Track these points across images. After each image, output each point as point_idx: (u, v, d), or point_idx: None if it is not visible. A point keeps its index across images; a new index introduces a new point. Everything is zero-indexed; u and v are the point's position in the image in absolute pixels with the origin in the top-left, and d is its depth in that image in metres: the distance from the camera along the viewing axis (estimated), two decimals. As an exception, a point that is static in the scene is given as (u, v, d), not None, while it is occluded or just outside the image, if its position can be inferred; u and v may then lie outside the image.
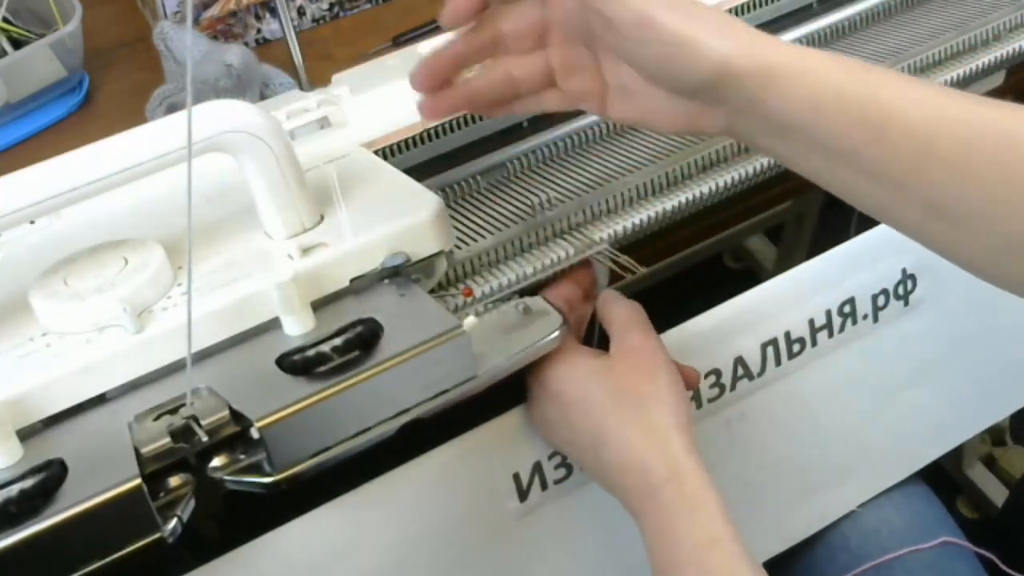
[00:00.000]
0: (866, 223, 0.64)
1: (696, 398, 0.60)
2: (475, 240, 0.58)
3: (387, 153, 0.64)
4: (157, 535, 0.42)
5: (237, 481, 0.45)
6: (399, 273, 0.51)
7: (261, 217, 0.52)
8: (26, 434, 0.45)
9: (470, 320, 0.49)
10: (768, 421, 0.64)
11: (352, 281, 0.50)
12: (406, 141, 0.65)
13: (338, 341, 0.46)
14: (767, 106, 0.44)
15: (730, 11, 0.72)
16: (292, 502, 0.51)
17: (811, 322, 0.63)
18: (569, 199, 0.61)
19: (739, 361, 0.61)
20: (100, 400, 0.47)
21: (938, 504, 0.76)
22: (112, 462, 0.43)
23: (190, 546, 0.50)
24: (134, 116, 0.86)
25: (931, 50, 0.69)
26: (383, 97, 0.64)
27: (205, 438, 0.44)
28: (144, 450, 0.43)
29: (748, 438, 0.64)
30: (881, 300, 0.65)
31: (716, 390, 0.61)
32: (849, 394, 0.68)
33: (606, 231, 0.58)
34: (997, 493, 1.18)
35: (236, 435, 0.45)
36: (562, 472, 0.57)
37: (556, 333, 0.52)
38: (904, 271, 0.65)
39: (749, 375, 0.62)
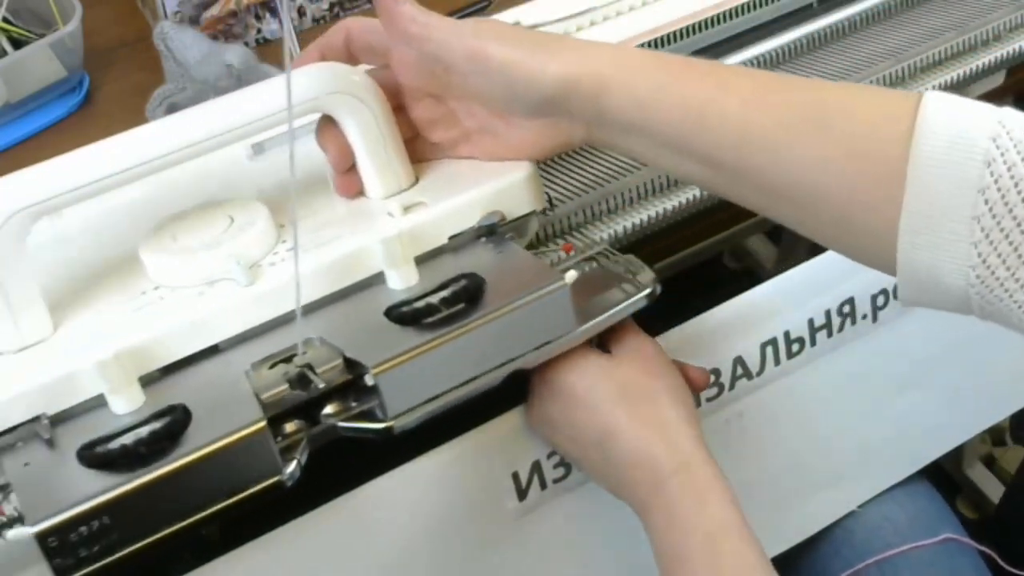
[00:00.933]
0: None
1: (695, 398, 0.60)
2: (475, 240, 0.58)
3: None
4: (277, 478, 0.44)
5: (350, 428, 0.46)
6: (494, 232, 0.53)
7: (361, 176, 0.54)
8: (145, 382, 0.46)
9: (571, 274, 0.50)
10: (767, 421, 0.64)
11: (451, 239, 0.52)
12: (406, 141, 0.65)
13: (445, 293, 0.48)
14: (604, 110, 0.48)
15: (731, 12, 0.72)
16: (291, 502, 0.51)
17: (810, 322, 0.63)
18: (569, 199, 0.61)
19: (738, 361, 0.61)
20: (213, 351, 0.48)
21: (940, 501, 0.76)
22: (233, 407, 0.45)
23: (190, 546, 0.50)
24: (134, 116, 0.86)
25: (931, 50, 0.69)
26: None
27: (322, 384, 0.45)
28: (263, 396, 0.45)
29: (746, 438, 0.64)
30: (881, 300, 0.65)
31: (715, 390, 0.61)
32: (848, 394, 0.68)
33: (606, 231, 0.58)
34: (997, 493, 1.18)
35: (348, 383, 0.46)
36: (561, 471, 0.57)
37: (649, 290, 0.52)
38: (904, 271, 0.65)
39: (748, 375, 0.62)
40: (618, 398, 0.51)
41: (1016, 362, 0.75)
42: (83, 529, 0.41)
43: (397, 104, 0.54)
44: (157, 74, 0.87)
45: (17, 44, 0.88)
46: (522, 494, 0.57)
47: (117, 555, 0.42)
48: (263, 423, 0.43)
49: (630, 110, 0.48)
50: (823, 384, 0.66)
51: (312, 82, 0.50)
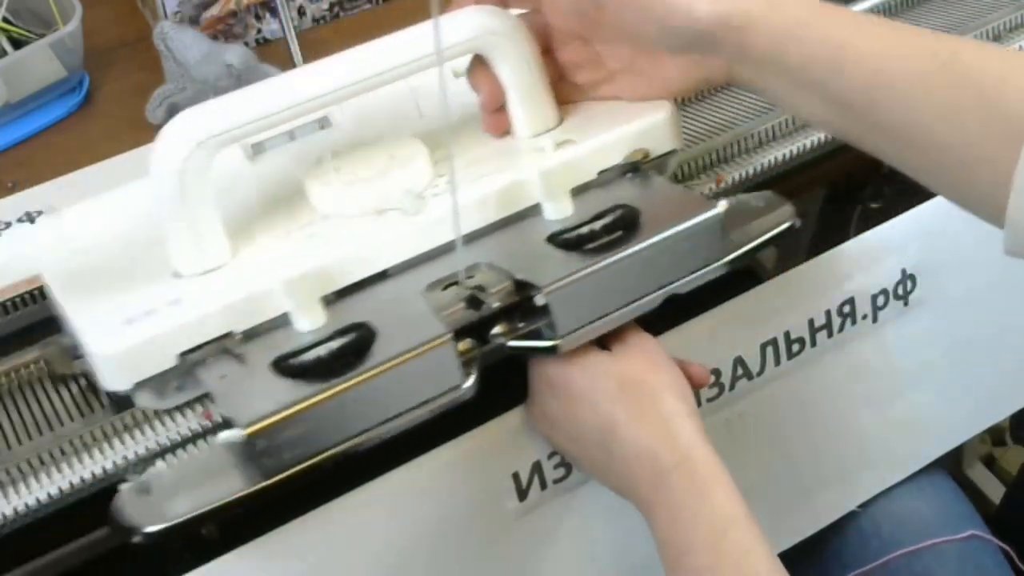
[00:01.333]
0: (866, 223, 0.65)
1: (695, 398, 0.60)
2: (475, 240, 0.58)
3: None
4: (458, 390, 0.48)
5: (519, 347, 0.50)
6: (638, 168, 0.56)
7: (510, 115, 0.56)
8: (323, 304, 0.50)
9: (723, 203, 0.52)
10: (767, 421, 0.65)
11: (600, 174, 0.55)
12: (406, 141, 0.65)
13: (604, 221, 0.52)
14: (747, 47, 0.50)
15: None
16: (292, 502, 0.51)
17: (811, 322, 0.63)
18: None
19: (738, 361, 0.61)
20: (382, 276, 0.52)
21: (964, 497, 0.76)
22: (414, 325, 0.48)
23: (190, 546, 0.50)
24: (134, 116, 0.86)
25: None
26: (383, 97, 0.64)
27: (495, 304, 0.49)
28: (442, 315, 0.48)
29: (746, 438, 0.64)
30: (881, 300, 0.65)
31: (715, 390, 0.61)
32: (848, 394, 0.68)
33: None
34: (997, 493, 1.18)
35: (515, 304, 0.50)
36: (561, 472, 0.57)
37: (790, 223, 0.55)
38: (904, 271, 0.65)
39: (748, 375, 0.62)
40: (618, 394, 0.51)
41: (1016, 362, 0.75)
42: (288, 432, 0.44)
43: (544, 47, 0.56)
44: (157, 74, 0.87)
45: (17, 44, 0.88)
46: (522, 494, 0.57)
47: (315, 459, 0.45)
48: (449, 336, 0.47)
49: (771, 47, 0.49)
50: (823, 384, 0.66)
51: (468, 24, 0.53)
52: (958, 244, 0.67)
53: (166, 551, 0.45)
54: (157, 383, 0.48)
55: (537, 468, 0.57)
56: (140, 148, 0.64)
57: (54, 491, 0.47)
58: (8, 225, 0.57)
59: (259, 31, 0.94)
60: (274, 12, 0.91)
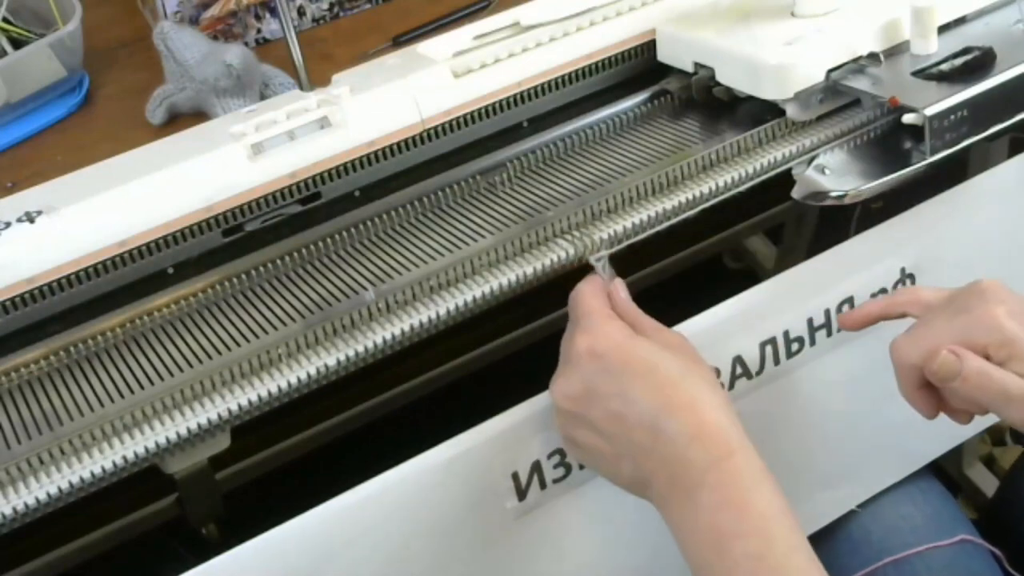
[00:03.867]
0: (866, 223, 0.65)
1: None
2: (475, 240, 0.58)
3: (387, 153, 0.64)
4: None
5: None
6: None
7: None
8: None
9: None
10: (766, 420, 0.64)
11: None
12: (406, 141, 0.65)
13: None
14: None
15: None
16: (292, 502, 0.51)
17: (810, 321, 0.63)
18: (569, 199, 0.61)
19: (738, 360, 0.61)
20: (961, 20, 0.67)
21: (954, 502, 0.76)
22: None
23: (190, 546, 0.50)
24: (134, 116, 0.86)
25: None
26: (383, 97, 0.64)
27: None
28: None
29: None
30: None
31: (716, 390, 0.61)
32: (848, 394, 0.67)
33: (606, 231, 0.58)
34: (997, 493, 1.18)
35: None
36: (561, 471, 0.57)
37: None
38: (903, 271, 0.65)
39: (748, 374, 0.62)
40: (683, 376, 0.51)
41: (1016, 362, 0.75)
42: (950, 118, 0.57)
43: None
44: (157, 74, 0.87)
45: (17, 44, 0.88)
46: (522, 494, 0.57)
47: (969, 140, 0.59)
48: None
49: None
50: (822, 384, 0.66)
51: None
52: (958, 244, 0.67)
53: (166, 551, 0.45)
54: (805, 96, 0.62)
55: (536, 468, 0.57)
56: (140, 148, 0.64)
57: (54, 490, 0.47)
58: (8, 225, 0.57)
59: (259, 31, 0.94)
60: (274, 12, 0.91)
